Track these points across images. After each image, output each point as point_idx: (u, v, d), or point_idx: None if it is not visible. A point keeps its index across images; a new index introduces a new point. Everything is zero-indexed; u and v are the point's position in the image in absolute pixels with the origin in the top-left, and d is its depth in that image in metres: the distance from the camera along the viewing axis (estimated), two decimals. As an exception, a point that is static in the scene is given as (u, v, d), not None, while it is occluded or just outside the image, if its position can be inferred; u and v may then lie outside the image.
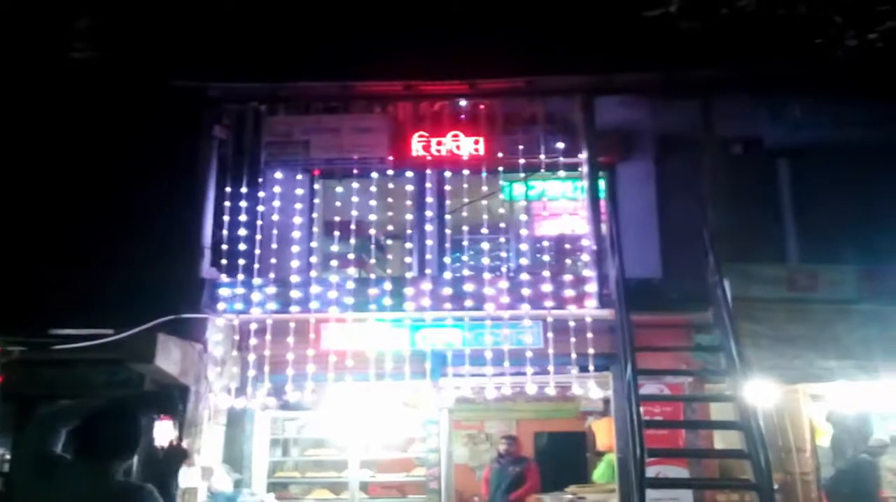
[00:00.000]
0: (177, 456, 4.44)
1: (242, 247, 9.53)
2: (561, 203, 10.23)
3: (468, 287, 9.30)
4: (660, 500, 8.40)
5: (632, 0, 8.70)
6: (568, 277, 9.41)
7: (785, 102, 10.31)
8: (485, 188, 9.69)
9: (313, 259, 10.01)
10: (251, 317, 9.35)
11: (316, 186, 10.82)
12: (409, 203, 10.02)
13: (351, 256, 9.81)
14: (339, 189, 9.79)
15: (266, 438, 10.22)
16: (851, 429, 9.05)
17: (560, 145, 9.92)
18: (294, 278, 9.46)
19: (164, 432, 7.87)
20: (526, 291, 9.25)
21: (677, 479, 8.83)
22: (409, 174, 9.98)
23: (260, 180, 9.92)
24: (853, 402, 8.88)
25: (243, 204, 9.68)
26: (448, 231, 9.99)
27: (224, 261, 9.57)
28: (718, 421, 9.18)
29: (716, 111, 9.81)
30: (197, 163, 9.85)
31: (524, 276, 9.47)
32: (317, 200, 10.74)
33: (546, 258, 9.94)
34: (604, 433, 10.90)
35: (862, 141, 10.05)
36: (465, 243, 10.00)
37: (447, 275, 9.54)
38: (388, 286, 9.37)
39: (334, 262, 9.73)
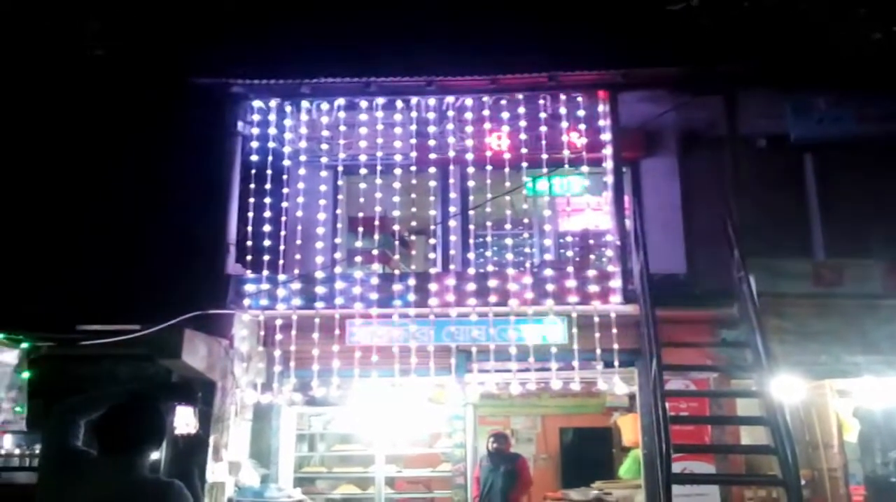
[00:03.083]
0: (197, 444, 4.39)
1: (267, 243, 9.54)
2: (585, 198, 10.17)
3: (492, 282, 9.30)
4: (686, 496, 8.37)
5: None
6: (592, 273, 9.38)
7: (809, 96, 10.25)
8: (508, 183, 9.64)
9: (338, 255, 10.04)
10: (276, 312, 9.40)
11: (340, 182, 10.84)
12: (432, 198, 10.01)
13: (375, 252, 9.84)
14: (362, 185, 9.78)
15: (292, 433, 10.27)
16: (879, 425, 9.02)
17: (584, 140, 9.87)
18: (319, 274, 9.49)
19: (183, 420, 7.95)
20: (550, 287, 9.24)
21: (704, 475, 8.77)
22: (433, 170, 9.96)
23: (284, 176, 9.93)
24: (881, 398, 8.84)
25: (268, 200, 9.67)
26: (472, 226, 9.97)
27: (249, 258, 9.61)
28: (745, 416, 9.16)
29: (740, 106, 9.74)
30: (221, 159, 9.89)
31: (548, 272, 9.46)
32: (341, 196, 10.76)
33: (570, 253, 9.93)
34: (629, 429, 10.89)
35: (887, 134, 9.99)
36: (489, 239, 9.98)
37: (471, 270, 9.52)
38: (412, 282, 9.40)
39: (359, 258, 9.72)
